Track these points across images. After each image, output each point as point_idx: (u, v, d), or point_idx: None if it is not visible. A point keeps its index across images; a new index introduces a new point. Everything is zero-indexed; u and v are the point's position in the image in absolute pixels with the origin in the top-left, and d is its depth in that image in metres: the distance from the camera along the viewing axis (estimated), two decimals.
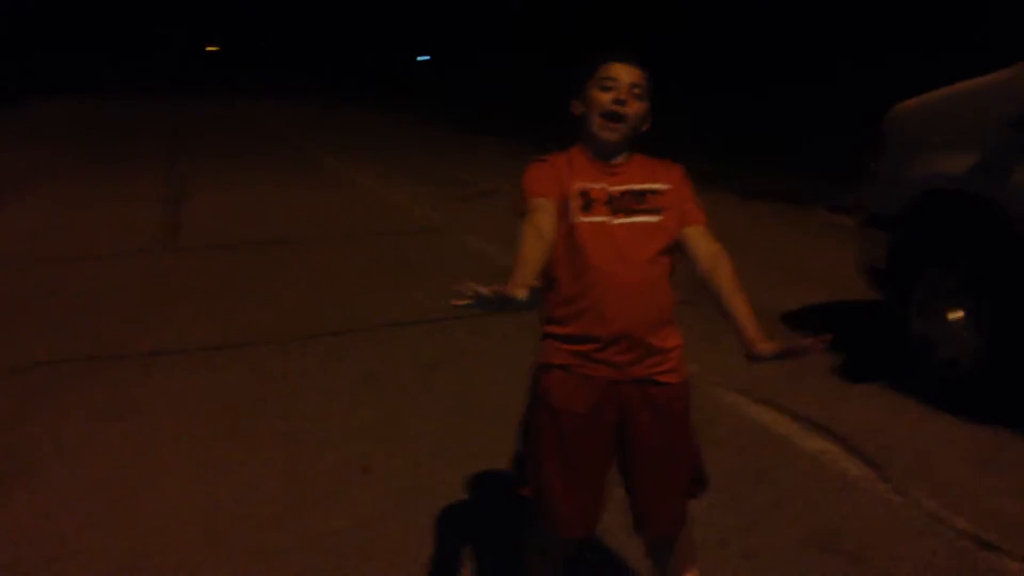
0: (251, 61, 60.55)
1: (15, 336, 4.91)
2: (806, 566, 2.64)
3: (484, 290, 1.61)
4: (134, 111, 24.54)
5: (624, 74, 1.99)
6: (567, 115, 2.06)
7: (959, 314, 3.77)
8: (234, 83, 41.12)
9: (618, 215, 1.97)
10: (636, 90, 2.00)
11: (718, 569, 2.58)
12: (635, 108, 2.00)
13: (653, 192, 2.01)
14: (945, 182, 3.86)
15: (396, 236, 7.62)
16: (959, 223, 3.83)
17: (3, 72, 35.49)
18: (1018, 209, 3.45)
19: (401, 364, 4.42)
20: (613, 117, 1.98)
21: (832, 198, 8.26)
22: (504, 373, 4.18)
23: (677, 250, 2.05)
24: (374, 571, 2.67)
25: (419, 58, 39.37)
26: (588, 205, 1.97)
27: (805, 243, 7.25)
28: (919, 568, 2.62)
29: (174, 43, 74.58)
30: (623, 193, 1.99)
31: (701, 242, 2.04)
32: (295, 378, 4.27)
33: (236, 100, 29.95)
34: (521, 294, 1.67)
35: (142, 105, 26.82)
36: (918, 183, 4.00)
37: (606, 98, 1.99)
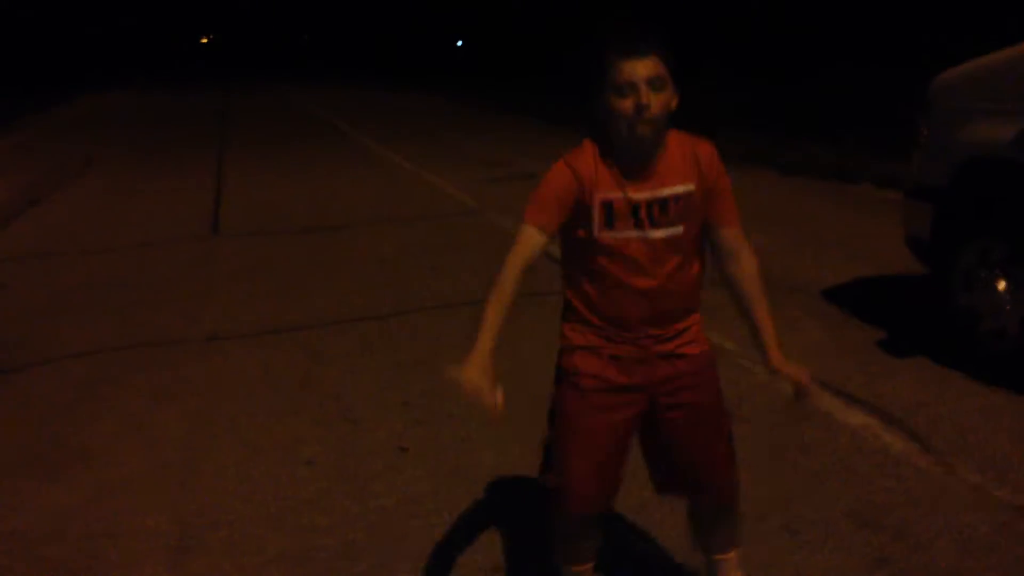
0: (293, 55, 61.08)
1: (77, 323, 5.07)
2: (847, 541, 2.65)
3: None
4: (181, 101, 24.95)
5: (640, 70, 1.85)
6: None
7: (1005, 284, 3.73)
8: (280, 74, 41.57)
9: (641, 228, 1.96)
10: (657, 82, 1.87)
11: (758, 543, 2.60)
12: (659, 102, 1.87)
13: (677, 198, 1.97)
14: (989, 150, 3.80)
15: (436, 219, 7.70)
16: (1004, 192, 3.76)
17: (53, 67, 36.26)
18: None
19: (448, 345, 4.49)
20: (637, 123, 1.87)
21: (880, 173, 8.14)
22: (553, 352, 4.23)
23: (706, 245, 2.07)
24: (408, 551, 2.74)
25: (457, 43, 39.38)
26: (610, 220, 1.96)
27: (849, 217, 7.16)
28: (962, 542, 2.62)
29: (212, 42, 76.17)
30: (647, 203, 1.95)
31: (731, 244, 2.05)
32: (346, 359, 4.36)
33: (280, 88, 30.27)
34: (494, 415, 1.86)
35: (190, 96, 27.26)
36: (962, 152, 3.95)
37: (626, 105, 1.86)
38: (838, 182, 8.45)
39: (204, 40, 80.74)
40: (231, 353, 4.52)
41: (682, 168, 1.98)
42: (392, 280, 5.79)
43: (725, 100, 13.09)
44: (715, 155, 2.03)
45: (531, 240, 1.97)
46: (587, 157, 1.98)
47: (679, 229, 1.98)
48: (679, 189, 1.97)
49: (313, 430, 3.59)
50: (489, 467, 3.22)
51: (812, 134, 10.23)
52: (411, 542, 2.77)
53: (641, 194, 1.95)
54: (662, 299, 2.01)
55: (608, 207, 1.95)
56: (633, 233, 1.96)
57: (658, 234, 1.96)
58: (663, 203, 1.96)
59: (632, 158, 1.95)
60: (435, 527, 2.84)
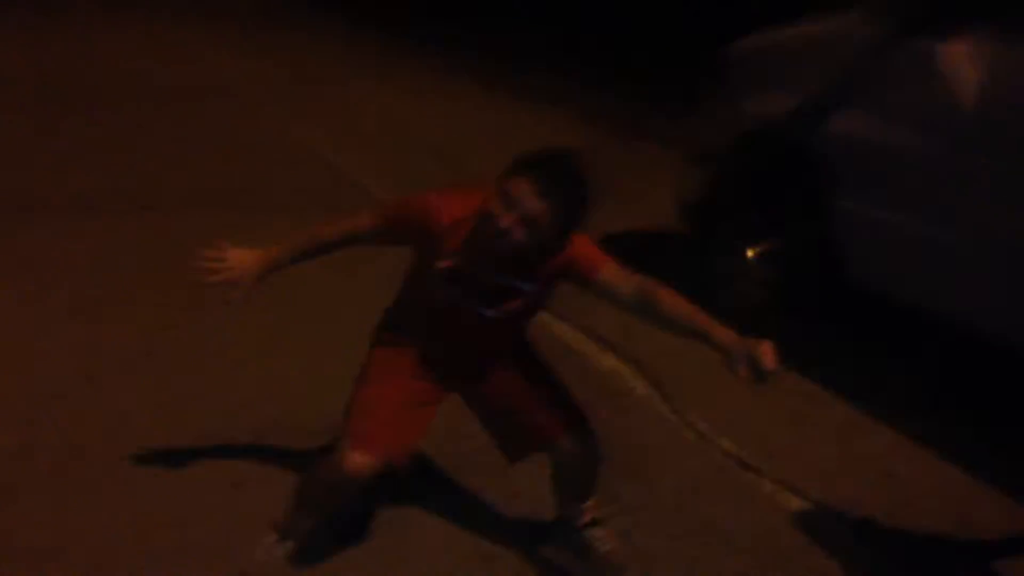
0: None
1: None
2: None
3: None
4: None
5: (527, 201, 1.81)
6: None
7: (753, 252, 4.01)
8: None
9: (479, 303, 1.96)
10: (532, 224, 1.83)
11: (512, 471, 2.68)
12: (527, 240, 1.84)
13: (520, 290, 1.97)
14: (764, 123, 3.98)
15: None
16: (770, 165, 3.97)
17: None
18: (827, 158, 3.60)
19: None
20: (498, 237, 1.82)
21: (669, 133, 8.47)
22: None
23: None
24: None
25: None
26: (452, 280, 1.96)
27: (634, 173, 7.45)
28: (684, 482, 2.83)
29: None
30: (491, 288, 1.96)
31: (619, 282, 2.02)
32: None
33: None
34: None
35: None
36: (740, 123, 4.13)
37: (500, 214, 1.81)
38: (631, 136, 8.75)
39: None
40: (78, 228, 4.26)
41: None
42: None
43: (538, 33, 13.07)
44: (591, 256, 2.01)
45: (365, 230, 2.01)
46: (464, 202, 1.93)
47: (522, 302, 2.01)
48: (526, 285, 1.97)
49: (159, 316, 3.46)
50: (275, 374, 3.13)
51: (611, 84, 10.47)
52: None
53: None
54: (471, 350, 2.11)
55: (452, 272, 1.94)
56: (467, 302, 1.97)
57: (495, 312, 1.97)
58: (504, 290, 1.96)
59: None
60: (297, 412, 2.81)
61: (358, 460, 1.98)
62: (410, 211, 1.96)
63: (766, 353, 1.83)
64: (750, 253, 4.03)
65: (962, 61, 3.15)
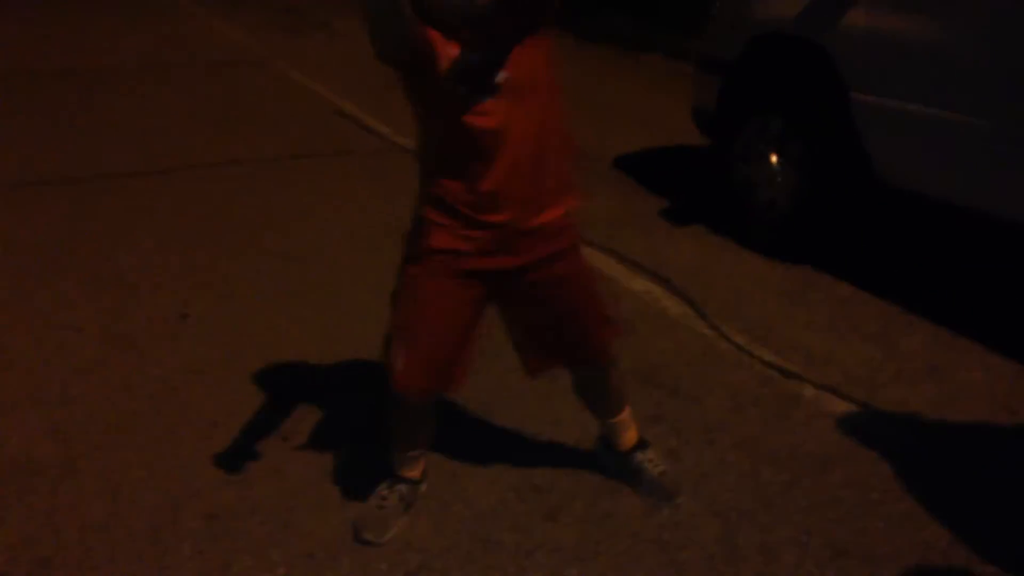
0: None
1: None
2: (630, 397, 2.79)
3: None
4: None
5: None
6: None
7: (777, 158, 3.94)
8: None
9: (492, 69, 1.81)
10: None
11: (546, 399, 2.69)
12: None
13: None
14: (776, 26, 3.91)
15: (221, 67, 7.18)
16: (785, 67, 3.91)
17: None
18: (842, 55, 3.54)
19: (238, 204, 4.26)
20: None
21: (673, 45, 8.32)
22: (347, 220, 4.13)
23: None
24: (190, 417, 2.64)
25: None
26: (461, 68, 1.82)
27: (642, 89, 7.33)
28: (729, 396, 2.82)
29: None
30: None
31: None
32: (122, 216, 4.04)
33: None
34: None
35: None
36: (751, 27, 4.05)
37: None
38: (634, 52, 8.59)
39: None
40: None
41: None
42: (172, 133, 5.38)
43: None
44: None
45: None
46: None
47: None
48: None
49: (83, 294, 3.32)
50: (281, 331, 3.13)
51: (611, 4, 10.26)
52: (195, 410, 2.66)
53: None
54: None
55: None
56: None
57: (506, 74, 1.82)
58: None
59: None
60: (224, 394, 2.74)
61: (412, 392, 2.03)
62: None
63: None
64: (774, 159, 3.95)
65: None
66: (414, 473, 2.28)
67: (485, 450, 2.49)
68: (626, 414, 2.38)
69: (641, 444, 2.40)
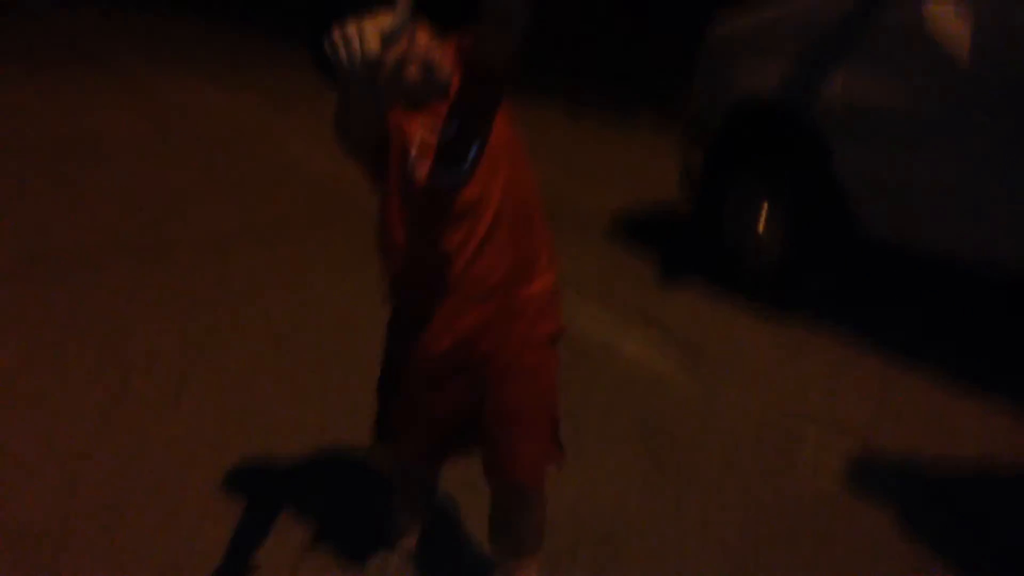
0: None
1: None
2: (627, 450, 2.81)
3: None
4: None
5: None
6: None
7: (764, 216, 4.03)
8: None
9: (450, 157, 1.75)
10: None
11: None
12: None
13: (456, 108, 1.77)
14: (755, 94, 4.05)
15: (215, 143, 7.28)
16: (767, 132, 4.03)
17: None
18: (820, 116, 3.65)
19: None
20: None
21: (656, 119, 8.51)
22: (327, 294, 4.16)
23: None
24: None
25: None
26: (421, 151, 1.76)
27: (633, 157, 7.47)
28: (728, 446, 2.85)
29: None
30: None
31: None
32: (108, 297, 4.05)
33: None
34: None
35: None
36: (732, 95, 4.19)
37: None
38: (620, 127, 8.77)
39: None
40: None
41: None
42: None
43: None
44: None
45: None
46: None
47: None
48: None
49: (78, 379, 3.33)
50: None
51: (598, 81, 10.50)
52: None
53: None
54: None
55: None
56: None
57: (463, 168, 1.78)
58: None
59: None
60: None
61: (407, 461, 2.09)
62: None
63: None
64: (761, 226, 4.03)
65: (948, 16, 3.18)
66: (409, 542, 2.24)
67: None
68: (534, 566, 2.01)
69: None
